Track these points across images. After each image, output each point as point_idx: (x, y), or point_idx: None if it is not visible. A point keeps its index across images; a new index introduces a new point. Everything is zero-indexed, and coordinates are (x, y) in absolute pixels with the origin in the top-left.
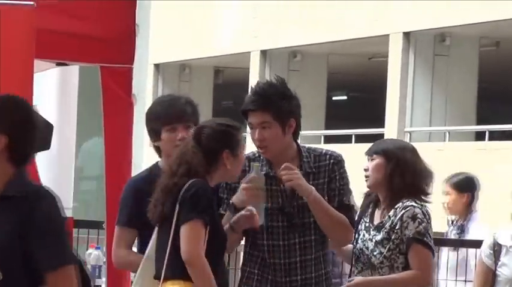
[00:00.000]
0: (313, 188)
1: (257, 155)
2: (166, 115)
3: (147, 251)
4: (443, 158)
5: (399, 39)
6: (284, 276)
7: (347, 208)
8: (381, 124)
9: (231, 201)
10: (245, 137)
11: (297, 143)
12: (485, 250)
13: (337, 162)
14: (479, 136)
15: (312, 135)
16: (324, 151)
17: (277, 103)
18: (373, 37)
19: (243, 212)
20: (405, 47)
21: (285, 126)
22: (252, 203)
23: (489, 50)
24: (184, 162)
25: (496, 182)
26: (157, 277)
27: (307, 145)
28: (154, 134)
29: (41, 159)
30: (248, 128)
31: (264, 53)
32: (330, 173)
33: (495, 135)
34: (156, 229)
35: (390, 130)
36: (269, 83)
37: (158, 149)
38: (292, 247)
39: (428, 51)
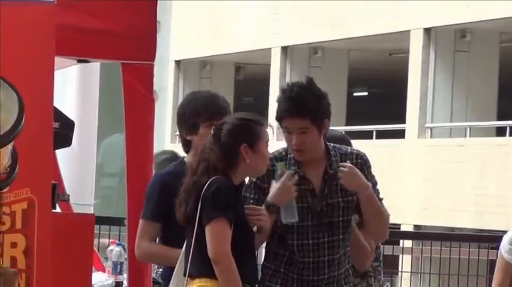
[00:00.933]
0: (369, 184)
1: (284, 153)
2: (207, 111)
3: (183, 249)
4: (464, 153)
5: (420, 35)
6: (312, 275)
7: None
8: (402, 120)
9: (268, 201)
10: (270, 130)
11: (324, 141)
12: (505, 245)
13: (364, 162)
14: (500, 132)
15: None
16: (349, 150)
17: (314, 108)
18: (394, 33)
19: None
20: (426, 43)
21: (321, 129)
22: (285, 202)
23: (510, 45)
24: (202, 159)
25: None
26: (185, 274)
27: (331, 144)
28: (189, 128)
29: (62, 156)
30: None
31: (284, 49)
32: None
33: None
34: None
35: (411, 126)
36: (301, 86)
37: (187, 144)
38: (322, 246)
39: (448, 47)
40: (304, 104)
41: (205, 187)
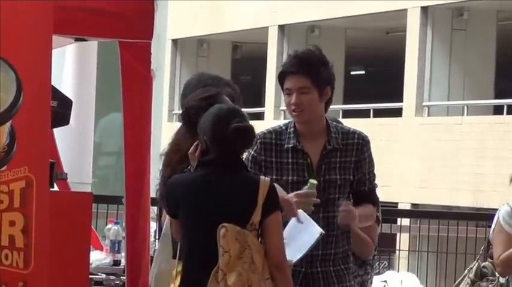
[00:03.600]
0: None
1: (284, 128)
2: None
3: (163, 230)
4: (461, 132)
5: (417, 14)
6: None
7: (375, 191)
8: (399, 99)
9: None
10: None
11: (326, 118)
12: (505, 217)
13: (365, 143)
14: (497, 110)
15: (330, 110)
16: (351, 129)
17: (318, 69)
18: (391, 12)
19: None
20: (423, 21)
21: (322, 93)
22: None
23: (507, 24)
24: (179, 150)
25: None
26: (174, 257)
27: (334, 123)
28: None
29: (60, 134)
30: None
31: (282, 28)
32: (358, 153)
33: None
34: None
35: (408, 105)
36: (309, 50)
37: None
38: (315, 222)
39: (446, 25)
40: (308, 62)
41: None
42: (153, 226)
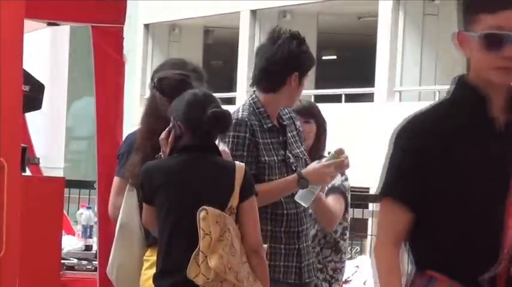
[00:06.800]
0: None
1: (251, 109)
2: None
3: (120, 220)
4: None
5: None
6: (296, 226)
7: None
8: (371, 84)
9: (302, 174)
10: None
11: None
12: None
13: (295, 116)
14: None
15: (302, 95)
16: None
17: None
18: None
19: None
20: (395, 6)
21: None
22: (317, 184)
23: None
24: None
25: None
26: (150, 244)
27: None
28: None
29: (32, 119)
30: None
31: (253, 12)
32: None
33: None
34: (128, 193)
35: (380, 90)
36: None
37: None
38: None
39: (418, 10)
40: None
41: None
42: None
